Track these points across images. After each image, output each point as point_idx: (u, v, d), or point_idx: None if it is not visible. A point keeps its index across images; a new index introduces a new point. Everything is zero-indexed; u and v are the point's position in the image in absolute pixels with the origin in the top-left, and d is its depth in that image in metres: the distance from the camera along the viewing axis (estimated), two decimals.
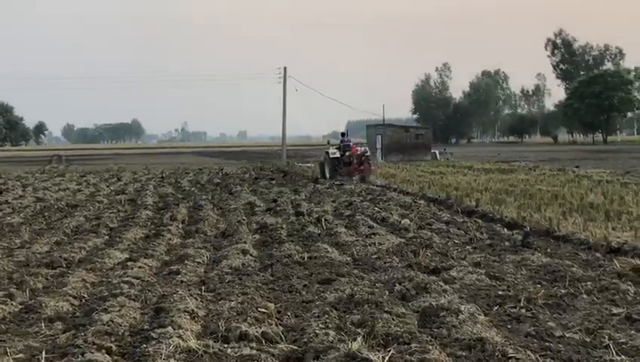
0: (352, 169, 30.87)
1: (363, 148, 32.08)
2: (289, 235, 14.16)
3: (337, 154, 31.47)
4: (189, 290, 8.79)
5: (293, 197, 22.20)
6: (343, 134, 33.77)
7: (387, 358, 6.02)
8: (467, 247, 12.27)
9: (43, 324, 7.55)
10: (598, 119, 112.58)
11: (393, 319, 7.29)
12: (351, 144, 31.93)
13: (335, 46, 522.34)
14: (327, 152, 32.27)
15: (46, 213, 18.94)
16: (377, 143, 53.77)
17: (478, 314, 7.50)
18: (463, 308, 7.66)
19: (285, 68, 54.43)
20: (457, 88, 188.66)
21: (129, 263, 11.02)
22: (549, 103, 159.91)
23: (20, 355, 6.39)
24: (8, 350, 6.46)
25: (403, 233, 14.12)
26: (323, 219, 16.05)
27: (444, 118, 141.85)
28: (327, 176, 31.36)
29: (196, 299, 8.31)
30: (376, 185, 26.75)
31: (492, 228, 14.49)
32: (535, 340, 6.80)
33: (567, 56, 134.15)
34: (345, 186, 26.45)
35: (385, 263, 10.95)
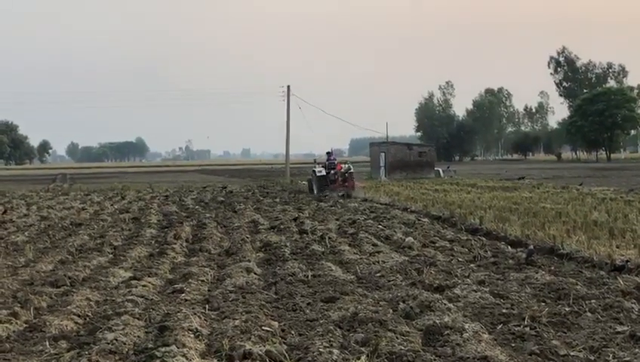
0: (337, 185, 32.92)
1: (347, 166, 33.86)
2: (293, 253, 14.16)
3: (323, 172, 33.64)
4: (193, 309, 8.80)
5: (296, 215, 22.21)
6: (328, 153, 35.51)
7: None
8: (471, 265, 12.26)
9: (47, 343, 7.57)
10: (601, 137, 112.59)
11: (397, 337, 7.29)
12: (335, 162, 34.27)
13: (339, 64, 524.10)
14: (314, 170, 34.36)
15: (50, 232, 18.96)
16: (381, 161, 53.82)
17: (482, 333, 7.49)
18: (467, 327, 7.66)
19: (289, 86, 54.53)
20: (460, 106, 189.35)
21: (133, 282, 11.04)
22: (553, 121, 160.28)
23: None
24: None
25: (407, 251, 14.12)
26: (327, 237, 16.05)
27: (447, 136, 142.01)
28: (315, 192, 33.40)
29: (200, 318, 8.31)
30: (380, 203, 26.74)
31: (496, 246, 14.48)
32: (539, 358, 6.79)
33: (570, 74, 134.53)
34: (349, 204, 26.48)
35: (389, 281, 10.94)
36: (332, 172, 33.52)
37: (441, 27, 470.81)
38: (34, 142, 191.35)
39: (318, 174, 33.79)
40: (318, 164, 35.49)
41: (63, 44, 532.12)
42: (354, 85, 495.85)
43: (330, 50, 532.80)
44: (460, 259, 12.94)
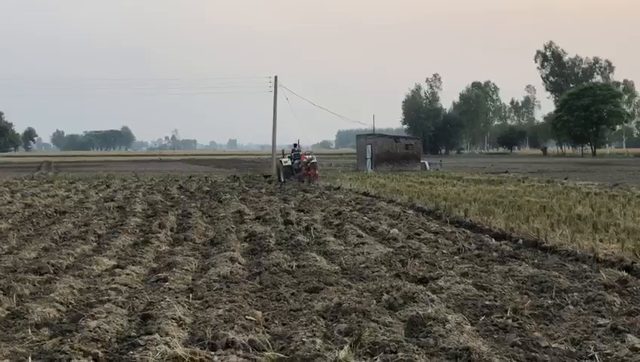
0: (302, 174, 36.96)
1: (310, 157, 37.74)
2: (278, 244, 14.16)
3: (289, 163, 38.39)
4: (176, 298, 8.78)
5: (282, 206, 22.20)
6: (294, 145, 40.14)
7: None
8: (455, 257, 12.32)
9: (29, 330, 7.53)
10: (587, 132, 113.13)
11: (380, 328, 7.30)
12: (300, 153, 38.70)
13: (326, 56, 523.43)
14: (280, 161, 39.54)
15: (34, 220, 18.87)
16: (367, 153, 53.85)
17: (465, 324, 7.53)
18: (449, 318, 7.69)
19: (276, 77, 54.33)
20: (447, 99, 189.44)
21: (117, 270, 11.01)
22: (539, 115, 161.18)
23: (7, 361, 6.37)
24: None
25: (392, 243, 14.15)
26: (312, 228, 16.06)
27: (434, 129, 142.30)
28: (282, 179, 37.90)
29: (184, 307, 8.31)
30: (366, 195, 26.76)
31: (480, 238, 14.55)
32: (521, 350, 6.83)
33: (557, 68, 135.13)
34: (335, 196, 26.51)
35: (373, 272, 10.96)
36: (296, 162, 37.92)
37: (429, 19, 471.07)
38: (19, 129, 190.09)
39: (284, 164, 38.50)
40: (285, 155, 40.24)
41: (49, 30, 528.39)
42: (341, 77, 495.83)
43: (318, 41, 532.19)
44: (444, 251, 13.00)
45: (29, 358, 6.39)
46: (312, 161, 37.19)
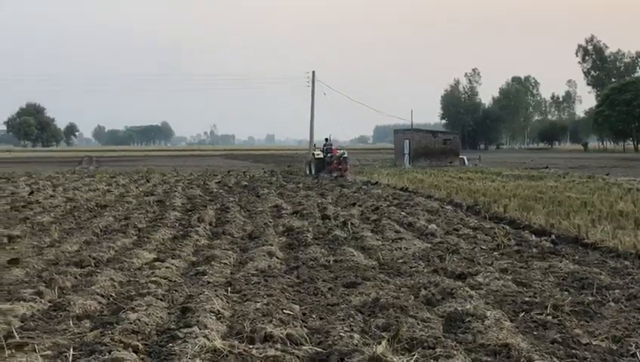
0: (332, 167, 37.92)
1: (342, 152, 38.89)
2: (315, 238, 14.19)
3: (321, 155, 39.30)
4: (215, 291, 8.85)
5: (319, 201, 22.23)
6: (326, 139, 40.98)
7: None
8: (494, 253, 12.21)
9: (71, 322, 7.65)
10: (629, 127, 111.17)
11: (418, 323, 7.28)
12: (332, 147, 39.74)
13: (364, 51, 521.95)
14: (313, 153, 40.62)
15: (76, 213, 19.15)
16: (405, 148, 53.60)
17: (504, 321, 7.46)
18: (488, 314, 7.63)
19: (314, 72, 54.43)
20: (487, 94, 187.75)
21: (156, 263, 11.13)
22: (580, 110, 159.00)
23: (48, 352, 6.48)
24: (37, 347, 6.55)
25: (429, 238, 14.09)
26: (349, 223, 16.06)
27: (472, 124, 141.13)
28: (313, 172, 38.88)
29: (222, 300, 8.37)
30: (405, 190, 26.67)
31: (520, 234, 14.40)
32: (561, 347, 6.75)
33: (599, 62, 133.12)
34: (373, 191, 26.46)
35: (411, 268, 10.93)
36: (329, 155, 38.81)
37: (469, 13, 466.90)
38: (61, 124, 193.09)
39: (316, 157, 39.46)
40: (317, 148, 41.13)
41: (91, 26, 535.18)
42: (379, 72, 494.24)
43: (356, 36, 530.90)
44: (483, 247, 12.89)
45: (71, 350, 6.48)
46: (344, 155, 38.23)
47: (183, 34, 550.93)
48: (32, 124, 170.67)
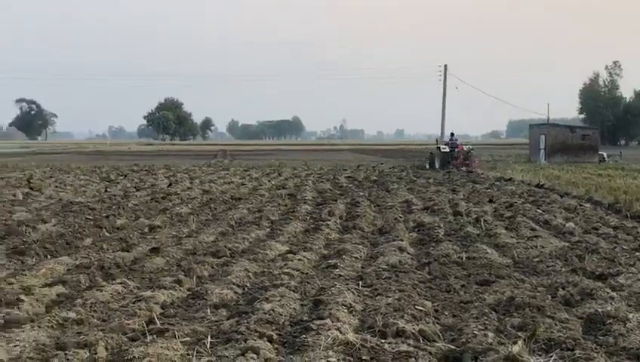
0: (458, 163, 38.27)
1: (468, 147, 39.75)
2: (447, 234, 13.99)
3: (447, 150, 39.45)
4: (346, 284, 8.90)
5: (451, 197, 21.93)
6: (452, 134, 42.21)
7: None
8: (636, 254, 11.60)
9: (208, 310, 7.89)
10: None
11: (556, 324, 7.05)
12: (457, 142, 40.36)
13: (497, 43, 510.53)
14: (438, 147, 40.49)
15: (212, 205, 19.75)
16: (541, 143, 51.95)
17: None
18: (631, 317, 7.30)
19: (446, 65, 53.85)
20: (629, 87, 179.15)
21: (289, 255, 11.31)
22: None
23: (187, 339, 6.70)
24: (176, 333, 6.78)
25: (567, 237, 13.59)
26: (482, 220, 15.73)
27: (612, 119, 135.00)
28: (437, 166, 38.88)
29: (354, 294, 8.40)
30: (540, 187, 25.87)
31: None
32: None
33: None
34: (506, 187, 25.83)
35: (547, 267, 10.58)
36: (456, 150, 39.13)
37: (605, 6, 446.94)
38: (197, 119, 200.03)
39: (442, 150, 39.52)
40: (442, 143, 41.98)
41: (222, 26, 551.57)
42: (513, 65, 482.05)
43: (488, 28, 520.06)
44: (624, 247, 12.30)
45: (209, 337, 6.69)
46: (471, 151, 39.15)
47: (314, 30, 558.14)
48: (171, 118, 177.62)
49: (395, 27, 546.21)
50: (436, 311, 7.97)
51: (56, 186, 26.36)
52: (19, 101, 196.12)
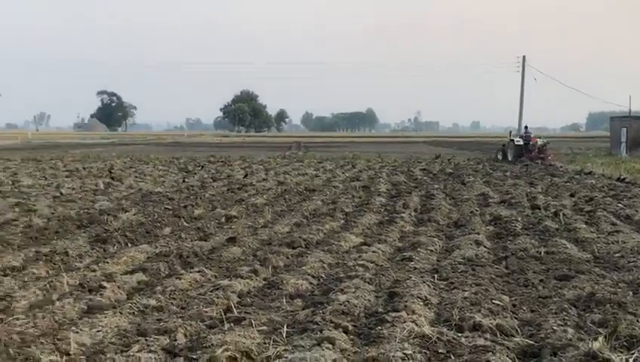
0: (532, 155, 38.26)
1: (543, 140, 40.00)
2: (524, 228, 13.74)
3: (521, 142, 39.48)
4: (421, 277, 8.86)
5: (528, 190, 21.53)
6: (525, 127, 43.03)
7: (631, 361, 5.68)
8: None
9: (284, 300, 7.97)
10: None
11: (638, 321, 6.88)
12: (531, 135, 40.33)
13: (576, 34, 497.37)
14: (512, 140, 40.38)
15: (286, 196, 19.91)
16: (622, 136, 50.40)
17: None
18: None
19: (524, 57, 52.81)
20: None
21: (364, 247, 11.32)
22: None
23: (264, 327, 6.78)
24: (253, 321, 6.87)
25: None
26: (561, 214, 15.39)
27: None
28: (510, 158, 39.02)
29: (429, 287, 8.35)
30: (622, 181, 25.14)
31: None
32: None
33: None
34: (586, 181, 25.20)
35: (629, 262, 10.28)
36: (531, 143, 39.23)
37: None
38: (272, 111, 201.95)
39: (516, 143, 39.56)
40: (515, 135, 42.06)
41: (297, 17, 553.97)
42: (593, 55, 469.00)
43: (567, 17, 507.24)
44: None
45: (284, 326, 6.76)
46: (546, 144, 39.44)
47: (388, 21, 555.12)
48: (246, 110, 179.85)
49: (472, 18, 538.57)
50: (514, 305, 7.84)
51: (136, 176, 27.04)
52: (100, 93, 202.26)
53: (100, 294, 8.15)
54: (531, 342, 6.38)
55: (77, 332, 6.57)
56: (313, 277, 9.29)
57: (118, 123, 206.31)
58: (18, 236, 12.36)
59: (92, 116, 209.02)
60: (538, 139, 40.03)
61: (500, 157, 40.86)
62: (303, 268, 9.62)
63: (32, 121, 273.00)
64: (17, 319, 7.00)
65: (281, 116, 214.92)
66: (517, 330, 6.74)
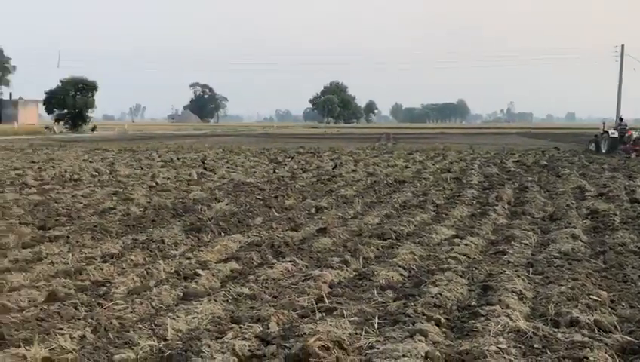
0: (628, 148, 37.27)
1: (638, 133, 38.50)
2: (623, 223, 13.28)
3: (616, 134, 38.91)
4: (515, 271, 8.69)
5: (627, 183, 20.80)
6: (620, 119, 42.69)
7: None
8: None
9: (375, 291, 7.95)
10: None
11: None
12: (626, 128, 39.82)
13: None
14: (606, 132, 39.69)
15: (376, 188, 19.86)
16: None
17: None
18: None
19: (623, 45, 50.98)
20: None
21: (455, 240, 11.18)
22: None
23: (355, 318, 6.79)
24: (344, 312, 6.89)
25: None
26: None
27: None
28: (603, 150, 38.41)
29: (523, 281, 8.18)
30: None
31: None
32: None
33: None
34: None
35: None
36: (626, 135, 38.60)
37: None
38: (361, 102, 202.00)
39: (610, 135, 39.05)
40: (610, 127, 41.02)
41: (390, 12, 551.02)
42: None
43: None
44: None
45: (376, 318, 6.75)
46: None
47: (481, 12, 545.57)
48: (335, 102, 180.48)
49: (565, 6, 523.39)
50: (612, 301, 7.60)
51: (228, 167, 27.52)
52: (193, 85, 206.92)
53: (195, 281, 8.35)
54: (631, 339, 6.18)
55: (173, 319, 6.74)
56: (404, 268, 9.24)
57: (210, 114, 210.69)
58: (116, 224, 12.78)
59: (185, 108, 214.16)
60: (634, 132, 39.21)
61: (592, 148, 40.40)
62: (394, 259, 9.58)
63: (127, 112, 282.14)
64: (117, 304, 7.25)
65: (370, 107, 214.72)
66: (616, 326, 6.53)
